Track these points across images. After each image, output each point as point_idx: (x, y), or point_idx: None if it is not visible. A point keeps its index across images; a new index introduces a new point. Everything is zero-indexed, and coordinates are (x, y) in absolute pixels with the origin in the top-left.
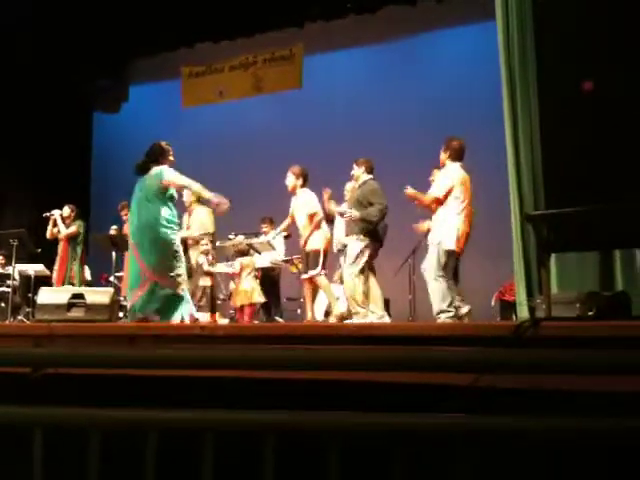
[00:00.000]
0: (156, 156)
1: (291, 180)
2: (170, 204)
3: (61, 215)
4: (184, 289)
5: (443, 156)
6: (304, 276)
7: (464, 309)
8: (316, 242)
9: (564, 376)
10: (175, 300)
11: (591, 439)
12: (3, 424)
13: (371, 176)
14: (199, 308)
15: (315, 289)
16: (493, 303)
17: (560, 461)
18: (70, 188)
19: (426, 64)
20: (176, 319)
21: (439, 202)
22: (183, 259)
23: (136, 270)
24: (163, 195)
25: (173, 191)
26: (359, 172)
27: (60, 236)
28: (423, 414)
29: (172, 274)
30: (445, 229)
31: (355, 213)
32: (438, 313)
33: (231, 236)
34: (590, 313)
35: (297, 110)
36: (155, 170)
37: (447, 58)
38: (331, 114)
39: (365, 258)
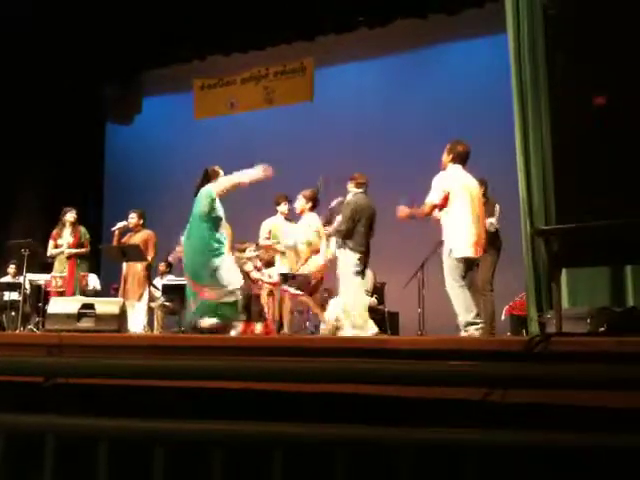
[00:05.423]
0: (208, 178)
1: (301, 203)
2: (216, 224)
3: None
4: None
5: (446, 159)
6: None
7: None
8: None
9: (575, 391)
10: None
11: (601, 455)
12: (16, 432)
13: (359, 190)
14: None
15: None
16: (503, 318)
17: (570, 475)
18: (83, 198)
19: (437, 77)
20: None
21: (441, 208)
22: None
23: (189, 288)
24: (209, 216)
25: (219, 212)
26: (350, 186)
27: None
28: (435, 429)
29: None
30: (454, 236)
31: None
32: (466, 326)
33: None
34: (601, 329)
35: (308, 123)
36: (203, 190)
37: (458, 71)
38: (342, 127)
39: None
